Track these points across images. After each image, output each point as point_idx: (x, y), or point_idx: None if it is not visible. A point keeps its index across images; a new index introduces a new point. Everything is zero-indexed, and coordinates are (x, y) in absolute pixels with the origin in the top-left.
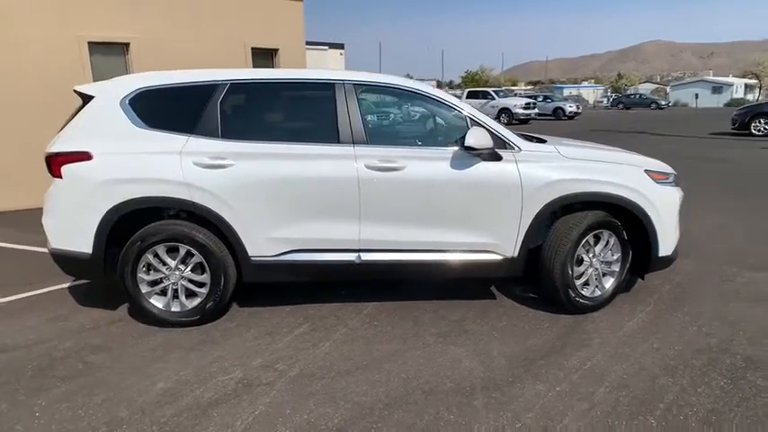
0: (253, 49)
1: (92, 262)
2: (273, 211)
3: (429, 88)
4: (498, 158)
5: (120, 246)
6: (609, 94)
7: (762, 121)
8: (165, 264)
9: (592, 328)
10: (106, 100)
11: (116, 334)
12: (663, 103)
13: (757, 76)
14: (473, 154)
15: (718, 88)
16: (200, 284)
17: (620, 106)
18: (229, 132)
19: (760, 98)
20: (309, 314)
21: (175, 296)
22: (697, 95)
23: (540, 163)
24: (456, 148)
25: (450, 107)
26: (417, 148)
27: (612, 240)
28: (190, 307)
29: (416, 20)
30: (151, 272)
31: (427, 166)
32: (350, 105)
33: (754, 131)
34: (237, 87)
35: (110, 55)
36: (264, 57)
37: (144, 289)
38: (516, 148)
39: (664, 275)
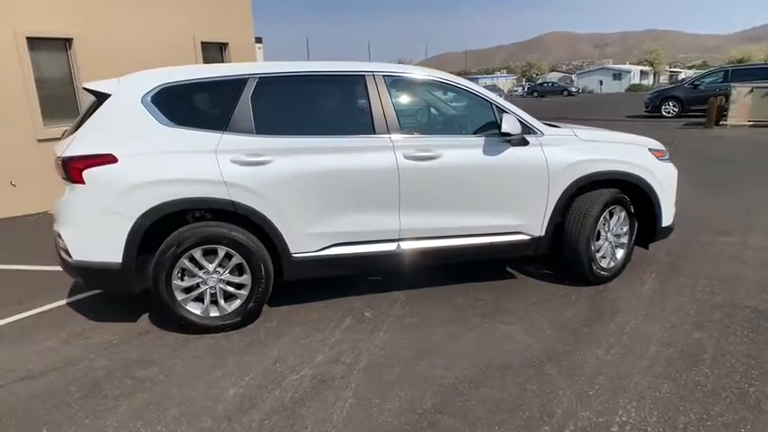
0: (203, 43)
1: (122, 273)
2: (315, 205)
3: (456, 78)
4: (526, 143)
5: (145, 253)
6: (523, 83)
7: (671, 103)
8: (201, 268)
9: (614, 296)
10: (126, 98)
11: (151, 346)
12: (573, 89)
13: (651, 63)
14: (506, 140)
15: (618, 75)
16: (239, 286)
17: (535, 94)
18: (263, 128)
19: (655, 83)
20: (345, 307)
21: (213, 301)
22: (602, 82)
23: (562, 146)
24: (486, 135)
25: (476, 96)
26: (451, 136)
27: (623, 215)
28: (230, 310)
29: (343, 13)
30: (185, 277)
31: (462, 153)
32: (382, 96)
33: (664, 113)
34: (267, 81)
35: (51, 51)
36: (214, 51)
37: (179, 296)
38: (539, 133)
39: (653, 245)
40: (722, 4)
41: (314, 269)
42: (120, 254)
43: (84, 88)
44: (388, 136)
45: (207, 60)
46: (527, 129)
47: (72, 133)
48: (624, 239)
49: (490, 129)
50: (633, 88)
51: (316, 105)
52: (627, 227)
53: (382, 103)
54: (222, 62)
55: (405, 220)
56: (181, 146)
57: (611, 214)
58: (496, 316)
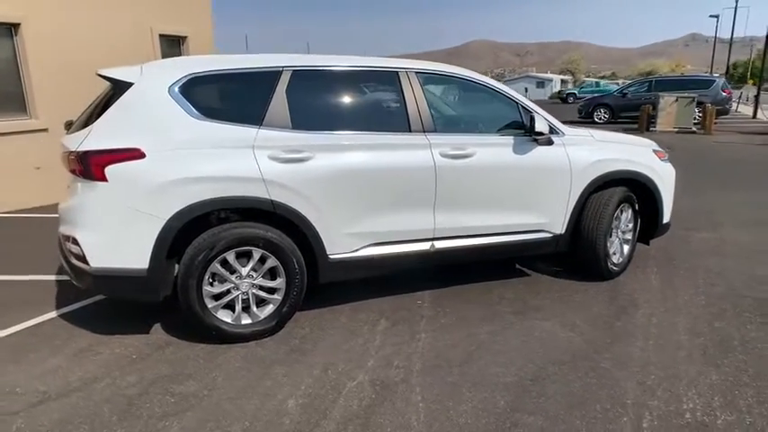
0: (161, 35)
1: (148, 279)
2: (353, 205)
3: (485, 78)
4: (551, 143)
5: (170, 258)
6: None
7: (602, 110)
8: (233, 272)
9: (628, 291)
10: (151, 87)
11: (178, 360)
12: None
13: (572, 72)
14: (534, 139)
15: (541, 83)
16: (271, 290)
17: None
18: (300, 123)
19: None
20: (373, 309)
21: (244, 307)
22: (527, 89)
23: (582, 146)
24: (515, 134)
25: (502, 95)
26: (483, 135)
27: (630, 213)
28: (263, 316)
29: (283, 13)
30: (215, 283)
31: (493, 152)
32: (416, 93)
33: (596, 119)
34: (301, 74)
35: None
36: (172, 44)
37: (209, 304)
38: (561, 133)
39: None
40: (628, 21)
41: (349, 270)
42: (147, 259)
43: (99, 75)
44: (423, 133)
45: (165, 54)
46: (551, 129)
47: (84, 125)
48: (629, 236)
49: (514, 128)
50: (554, 96)
51: (351, 101)
52: (632, 224)
53: (417, 99)
54: (180, 56)
55: (439, 219)
56: (214, 141)
57: (621, 212)
58: (528, 313)
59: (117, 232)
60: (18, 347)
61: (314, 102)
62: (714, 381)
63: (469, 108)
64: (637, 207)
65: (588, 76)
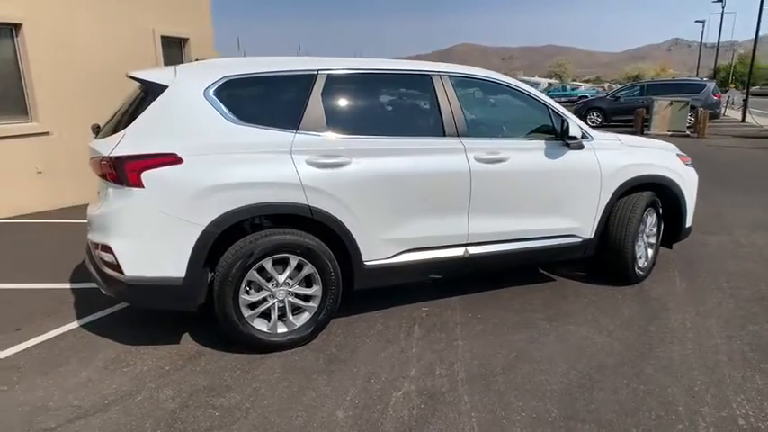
0: (162, 37)
1: (185, 288)
2: (389, 210)
3: (518, 82)
4: (582, 147)
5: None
6: None
7: (595, 113)
8: (269, 280)
9: (656, 295)
10: (186, 90)
11: (215, 370)
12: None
13: (560, 76)
14: (566, 144)
15: (531, 86)
16: (306, 298)
17: None
18: (336, 127)
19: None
20: (404, 316)
21: (279, 315)
22: None
23: (611, 150)
24: (546, 138)
25: (533, 99)
26: (515, 139)
27: (654, 217)
28: (299, 324)
29: (275, 16)
30: (251, 291)
31: (526, 156)
32: (450, 97)
33: (589, 123)
34: (335, 78)
35: None
36: (173, 46)
37: (245, 313)
38: (590, 137)
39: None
40: (612, 26)
41: (384, 277)
42: (184, 267)
43: (131, 77)
44: (458, 138)
45: (166, 56)
46: (582, 133)
47: (114, 129)
48: (653, 240)
49: (545, 131)
50: None
51: (385, 104)
52: (656, 228)
53: (450, 103)
54: (181, 58)
55: (473, 225)
56: (252, 145)
57: (647, 216)
58: (561, 319)
59: (153, 240)
60: (43, 360)
61: (348, 105)
62: (760, 385)
63: (499, 111)
64: (661, 211)
65: (575, 80)
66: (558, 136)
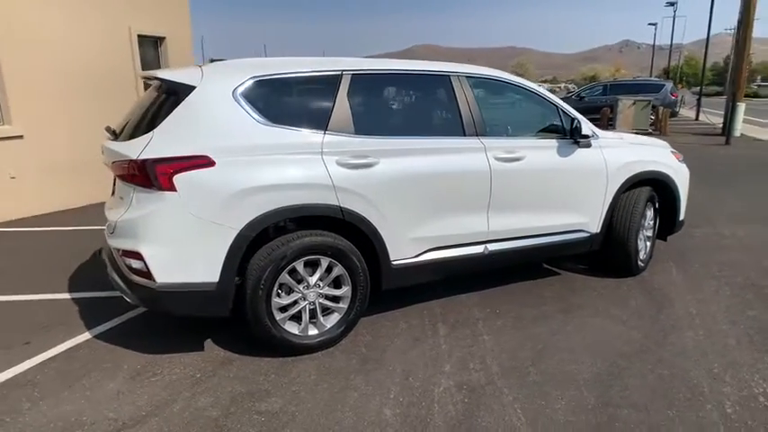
0: (139, 36)
1: (218, 293)
2: (415, 210)
3: (526, 81)
4: (590, 145)
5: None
6: None
7: None
8: (300, 281)
9: (657, 285)
10: (215, 91)
11: (249, 375)
12: None
13: (521, 77)
14: (575, 142)
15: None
16: (335, 299)
17: None
18: (363, 127)
19: None
20: (425, 314)
21: (310, 317)
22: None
23: (615, 148)
24: (558, 137)
25: (544, 99)
26: (529, 138)
27: (652, 211)
28: (329, 325)
29: (240, 16)
30: (282, 294)
31: (541, 154)
32: (468, 97)
33: None
34: (359, 78)
35: None
36: (150, 45)
37: (278, 316)
38: (596, 136)
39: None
40: (566, 28)
41: (410, 276)
42: (218, 272)
43: (156, 77)
44: (477, 137)
45: (143, 55)
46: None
47: (135, 131)
48: (650, 233)
49: (554, 130)
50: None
51: (407, 104)
52: (652, 221)
53: (469, 103)
54: (158, 57)
55: (492, 222)
56: (283, 147)
57: (646, 210)
58: (575, 311)
59: (185, 245)
60: (63, 373)
61: (372, 106)
62: None
63: (512, 111)
64: (657, 205)
65: (537, 81)
66: (569, 134)
